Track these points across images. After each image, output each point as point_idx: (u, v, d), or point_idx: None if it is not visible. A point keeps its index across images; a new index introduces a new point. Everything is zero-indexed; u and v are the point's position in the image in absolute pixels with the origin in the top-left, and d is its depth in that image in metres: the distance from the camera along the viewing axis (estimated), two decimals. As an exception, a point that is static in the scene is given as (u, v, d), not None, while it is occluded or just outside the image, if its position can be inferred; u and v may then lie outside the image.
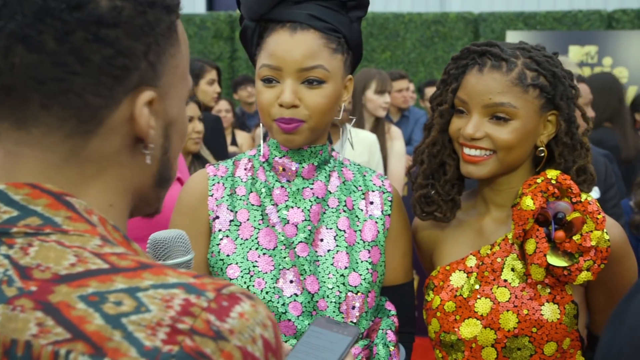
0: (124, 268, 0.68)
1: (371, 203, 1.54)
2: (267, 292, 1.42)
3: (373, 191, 1.55)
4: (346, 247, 1.47)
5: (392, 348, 1.47)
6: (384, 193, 1.55)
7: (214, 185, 1.52)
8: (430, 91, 6.31)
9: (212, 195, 1.51)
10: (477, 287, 1.50)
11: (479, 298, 1.48)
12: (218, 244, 1.47)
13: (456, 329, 1.49)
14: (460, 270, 1.53)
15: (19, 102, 0.71)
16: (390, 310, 1.54)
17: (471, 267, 1.53)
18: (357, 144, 3.78)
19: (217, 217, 1.49)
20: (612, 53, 7.85)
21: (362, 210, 1.52)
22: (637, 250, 2.85)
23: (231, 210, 1.49)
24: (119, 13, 0.71)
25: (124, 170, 0.78)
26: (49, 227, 0.70)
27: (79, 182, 0.75)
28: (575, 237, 1.41)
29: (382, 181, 1.57)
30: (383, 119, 4.12)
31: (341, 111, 1.50)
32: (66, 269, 0.67)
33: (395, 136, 4.15)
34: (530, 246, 1.43)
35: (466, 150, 1.49)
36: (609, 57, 7.83)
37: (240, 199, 1.50)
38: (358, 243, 1.49)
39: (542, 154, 1.51)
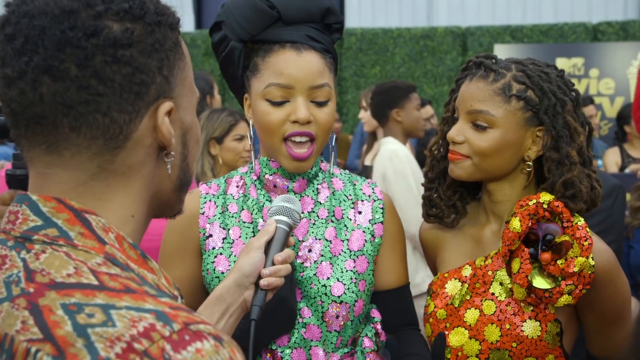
0: (110, 288, 0.72)
1: (359, 213, 1.55)
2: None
3: (362, 201, 1.56)
4: (330, 258, 1.48)
5: (369, 353, 1.48)
6: (374, 201, 1.56)
7: (205, 203, 1.53)
8: None
9: (203, 214, 1.52)
10: (468, 297, 1.52)
11: (469, 308, 1.50)
12: (213, 262, 1.49)
13: (446, 336, 1.52)
14: (455, 279, 1.56)
15: (50, 128, 0.77)
16: (374, 318, 1.55)
17: (466, 276, 1.55)
18: None
19: (210, 236, 1.50)
20: (598, 65, 7.94)
21: (350, 219, 1.54)
22: (627, 254, 2.89)
23: (223, 228, 1.50)
24: (131, 34, 0.77)
25: (147, 180, 0.84)
26: (62, 239, 0.76)
27: (104, 195, 0.81)
28: (559, 262, 1.42)
29: (372, 189, 1.59)
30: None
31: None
32: (62, 278, 0.72)
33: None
34: (515, 265, 1.45)
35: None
36: (595, 69, 7.93)
37: (232, 216, 1.51)
38: (344, 252, 1.50)
39: (529, 169, 1.52)
